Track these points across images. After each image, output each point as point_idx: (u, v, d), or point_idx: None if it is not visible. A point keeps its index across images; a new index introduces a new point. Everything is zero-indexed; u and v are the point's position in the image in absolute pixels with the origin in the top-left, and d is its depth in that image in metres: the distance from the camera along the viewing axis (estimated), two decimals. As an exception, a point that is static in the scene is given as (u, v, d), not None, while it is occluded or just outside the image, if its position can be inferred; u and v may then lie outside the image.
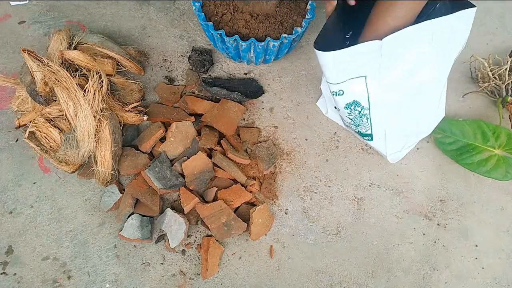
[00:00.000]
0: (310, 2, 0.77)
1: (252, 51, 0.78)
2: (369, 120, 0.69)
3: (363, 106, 0.67)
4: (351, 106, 0.68)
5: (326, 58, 0.62)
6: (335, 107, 0.74)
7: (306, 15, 0.76)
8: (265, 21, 0.76)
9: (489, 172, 0.75)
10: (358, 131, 0.73)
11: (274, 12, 0.77)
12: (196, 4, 0.75)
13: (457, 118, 0.80)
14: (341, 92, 0.67)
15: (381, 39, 0.58)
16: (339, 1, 0.68)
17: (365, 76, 0.63)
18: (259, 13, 0.76)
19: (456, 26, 0.61)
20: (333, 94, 0.68)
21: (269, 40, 0.73)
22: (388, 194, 0.77)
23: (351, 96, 0.67)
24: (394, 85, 0.65)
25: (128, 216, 0.71)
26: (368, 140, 0.74)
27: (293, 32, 0.75)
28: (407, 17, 0.61)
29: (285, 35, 0.74)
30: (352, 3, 0.68)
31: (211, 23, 0.73)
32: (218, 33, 0.73)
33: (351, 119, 0.71)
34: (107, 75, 0.75)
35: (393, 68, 0.62)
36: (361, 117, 0.70)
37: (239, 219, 0.70)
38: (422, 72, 0.64)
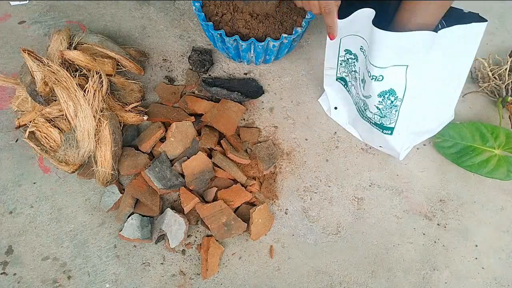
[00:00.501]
0: None
1: (252, 51, 0.78)
2: (397, 112, 0.68)
3: (397, 97, 0.66)
4: (386, 94, 0.67)
5: (383, 38, 0.59)
6: (364, 96, 0.71)
7: (306, 15, 0.76)
8: (265, 21, 0.76)
9: (490, 172, 0.75)
10: (381, 123, 0.72)
11: (274, 12, 0.77)
12: (196, 4, 0.75)
13: (455, 121, 0.80)
14: (381, 78, 0.65)
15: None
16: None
17: (407, 66, 0.62)
18: (259, 13, 0.76)
19: (468, 36, 0.61)
20: (372, 79, 0.65)
21: (269, 40, 0.73)
22: (388, 194, 0.77)
23: (389, 84, 0.65)
24: (429, 81, 0.64)
25: (128, 216, 0.71)
26: (387, 134, 0.72)
27: (293, 32, 0.75)
28: (437, 14, 0.61)
29: (285, 35, 0.74)
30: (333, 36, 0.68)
31: (211, 23, 0.73)
32: (218, 33, 0.73)
33: (380, 109, 0.70)
34: (107, 75, 0.75)
35: (434, 63, 0.62)
36: (391, 108, 0.68)
37: (239, 219, 0.70)
38: (446, 72, 0.64)
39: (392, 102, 0.68)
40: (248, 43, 0.73)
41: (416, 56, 0.61)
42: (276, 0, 0.76)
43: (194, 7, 0.76)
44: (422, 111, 0.70)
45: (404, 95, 0.66)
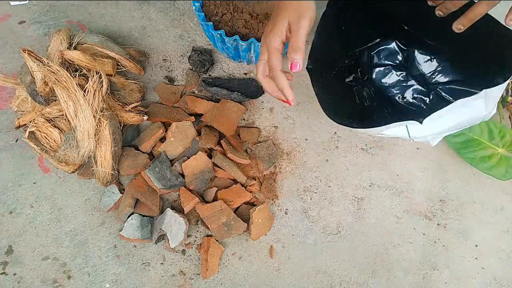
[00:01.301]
0: None
1: (252, 51, 0.78)
2: None
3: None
4: None
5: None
6: None
7: None
8: (264, 21, 0.76)
9: (489, 169, 0.75)
10: None
11: None
12: (196, 4, 0.75)
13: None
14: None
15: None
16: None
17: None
18: (259, 13, 0.76)
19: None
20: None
21: None
22: (388, 194, 0.77)
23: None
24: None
25: (128, 216, 0.71)
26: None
27: None
28: None
29: None
30: None
31: (211, 23, 0.73)
32: (218, 33, 0.73)
33: None
34: (107, 75, 0.75)
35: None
36: None
37: (239, 219, 0.70)
38: None
39: None
40: (248, 43, 0.73)
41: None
42: (276, 0, 0.76)
43: (194, 7, 0.76)
44: None
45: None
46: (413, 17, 0.67)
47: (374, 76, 0.77)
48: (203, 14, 0.75)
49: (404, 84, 0.76)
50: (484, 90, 0.51)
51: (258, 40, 0.75)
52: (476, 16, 0.51)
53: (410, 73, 0.75)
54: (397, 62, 0.76)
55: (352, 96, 0.74)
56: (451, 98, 0.72)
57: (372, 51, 0.75)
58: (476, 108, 0.54)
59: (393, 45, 0.75)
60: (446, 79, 0.72)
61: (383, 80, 0.76)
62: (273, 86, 0.54)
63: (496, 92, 0.53)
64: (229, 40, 0.73)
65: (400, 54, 0.75)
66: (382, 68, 0.76)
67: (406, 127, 0.54)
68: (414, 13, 0.65)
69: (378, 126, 0.54)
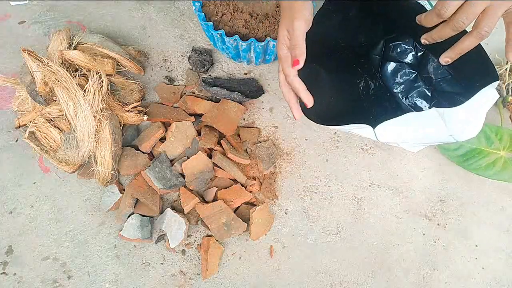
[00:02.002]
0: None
1: (252, 51, 0.77)
2: None
3: None
4: None
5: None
6: None
7: None
8: (264, 21, 0.76)
9: (497, 174, 0.74)
10: None
11: (274, 12, 0.77)
12: (196, 4, 0.75)
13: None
14: None
15: None
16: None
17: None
18: (259, 13, 0.76)
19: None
20: None
21: (269, 40, 0.73)
22: (388, 194, 0.77)
23: None
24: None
25: (128, 216, 0.71)
26: None
27: None
28: None
29: None
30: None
31: (211, 23, 0.73)
32: (218, 33, 0.73)
33: None
34: (107, 75, 0.75)
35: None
36: None
37: (239, 219, 0.70)
38: None
39: None
40: (248, 43, 0.73)
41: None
42: (276, 0, 0.76)
43: (194, 7, 0.76)
44: None
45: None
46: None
47: (387, 69, 0.75)
48: (203, 14, 0.75)
49: (412, 84, 0.75)
50: (435, 108, 0.49)
51: (258, 40, 0.75)
52: (463, 50, 0.50)
53: (420, 75, 0.74)
54: (410, 61, 0.74)
55: (348, 87, 0.73)
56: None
57: (388, 43, 0.74)
58: (436, 126, 0.51)
59: (410, 42, 0.72)
60: (451, 90, 0.71)
61: (394, 76, 0.76)
62: (292, 94, 0.57)
63: (455, 114, 0.49)
64: (229, 40, 0.73)
65: (414, 53, 0.73)
66: (395, 64, 0.75)
67: (373, 129, 0.53)
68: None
69: (345, 124, 0.53)
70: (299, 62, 0.52)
